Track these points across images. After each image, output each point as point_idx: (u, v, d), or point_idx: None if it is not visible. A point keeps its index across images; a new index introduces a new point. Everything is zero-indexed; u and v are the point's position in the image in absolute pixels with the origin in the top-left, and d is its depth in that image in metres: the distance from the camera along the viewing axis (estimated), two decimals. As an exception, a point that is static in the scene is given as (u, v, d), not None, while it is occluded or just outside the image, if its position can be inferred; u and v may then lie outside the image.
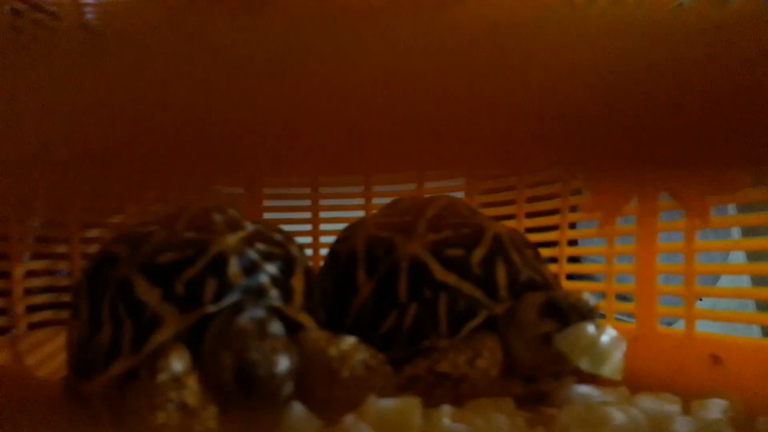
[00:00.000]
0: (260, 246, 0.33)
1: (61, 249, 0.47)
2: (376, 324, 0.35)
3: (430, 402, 0.28)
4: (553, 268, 0.47)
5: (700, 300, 0.38)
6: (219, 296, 0.29)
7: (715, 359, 0.35)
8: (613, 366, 0.30)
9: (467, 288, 0.34)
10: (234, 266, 0.30)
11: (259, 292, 0.30)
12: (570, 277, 0.50)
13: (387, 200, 0.45)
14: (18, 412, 0.31)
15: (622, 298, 0.45)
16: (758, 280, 0.62)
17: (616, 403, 0.30)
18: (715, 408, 0.30)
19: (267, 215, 0.55)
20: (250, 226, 0.34)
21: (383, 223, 0.40)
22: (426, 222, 0.38)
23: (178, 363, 0.26)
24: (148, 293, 0.29)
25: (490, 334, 0.34)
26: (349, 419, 0.27)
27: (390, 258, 0.37)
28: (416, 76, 0.13)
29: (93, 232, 0.49)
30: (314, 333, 0.31)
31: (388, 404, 0.27)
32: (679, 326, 0.39)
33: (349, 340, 0.30)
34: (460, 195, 0.55)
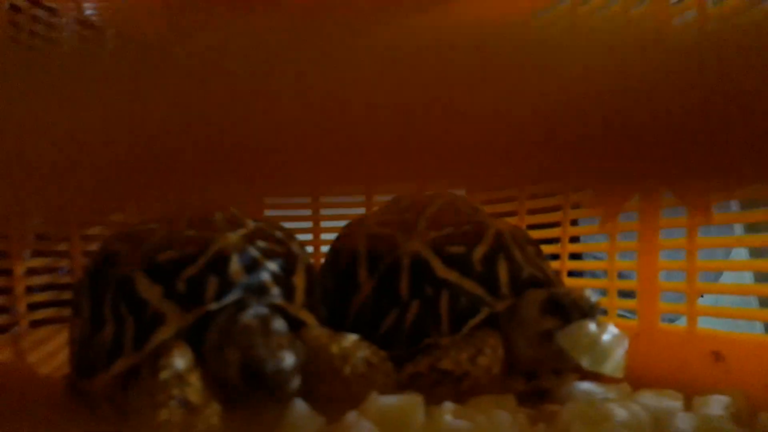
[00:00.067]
0: (261, 243, 0.33)
1: (62, 246, 0.47)
2: (377, 321, 0.35)
3: (432, 399, 0.28)
4: (554, 265, 0.47)
5: (701, 297, 0.38)
6: (220, 294, 0.29)
7: (717, 356, 0.35)
8: (614, 364, 0.30)
9: (469, 285, 0.34)
10: (235, 264, 0.30)
11: (260, 290, 0.30)
12: (572, 273, 0.50)
13: (388, 197, 0.45)
14: (20, 410, 0.31)
15: (625, 294, 0.45)
16: (761, 277, 0.62)
17: (617, 400, 0.30)
18: (717, 404, 0.30)
19: (268, 213, 0.55)
20: (251, 224, 0.34)
21: (384, 221, 0.39)
22: (427, 219, 0.38)
23: (180, 361, 0.26)
24: (149, 291, 0.29)
25: (492, 331, 0.34)
26: (351, 416, 0.27)
27: (391, 255, 0.37)
28: (411, 85, 0.13)
29: (93, 230, 0.49)
30: (316, 330, 0.31)
31: (390, 401, 0.27)
32: (682, 323, 0.39)
33: (351, 338, 0.30)
34: (461, 192, 0.55)
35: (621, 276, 0.45)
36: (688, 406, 0.30)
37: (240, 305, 0.29)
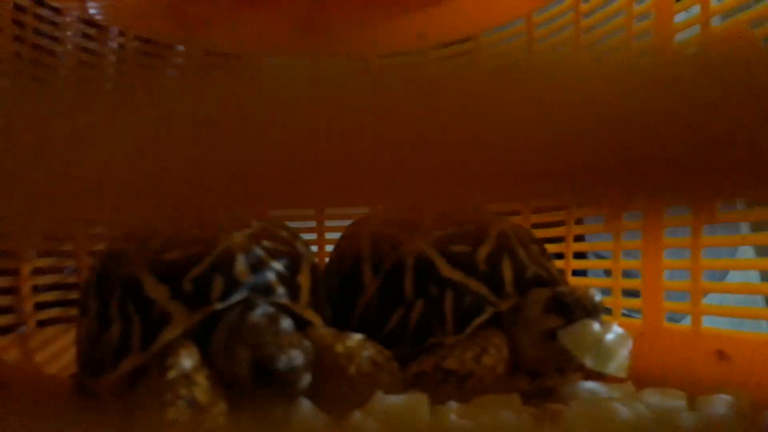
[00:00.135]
0: (266, 243, 0.33)
1: (67, 246, 0.47)
2: (382, 321, 0.36)
3: (437, 398, 0.29)
4: (559, 264, 0.47)
5: (704, 296, 0.38)
6: (226, 294, 0.29)
7: (721, 355, 0.35)
8: (618, 364, 0.30)
9: (473, 284, 0.34)
10: (241, 263, 0.31)
11: (266, 290, 0.30)
12: (576, 273, 0.50)
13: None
14: (28, 410, 0.31)
15: (629, 294, 0.45)
16: (767, 276, 0.62)
17: (621, 399, 0.30)
18: (721, 404, 0.30)
19: (272, 212, 0.55)
20: (256, 224, 0.34)
21: (388, 220, 0.40)
22: (431, 218, 0.38)
23: (187, 360, 0.26)
24: (156, 291, 0.30)
25: (496, 330, 0.34)
26: (356, 416, 0.27)
27: (395, 255, 0.37)
28: (432, 116, 0.13)
29: (99, 229, 0.49)
30: (321, 330, 0.31)
31: (395, 401, 0.28)
32: (687, 323, 0.39)
33: (356, 337, 0.31)
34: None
35: (625, 275, 0.45)
36: (692, 406, 0.30)
37: (247, 304, 0.29)
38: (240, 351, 0.26)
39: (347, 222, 0.44)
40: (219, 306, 0.29)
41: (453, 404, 0.29)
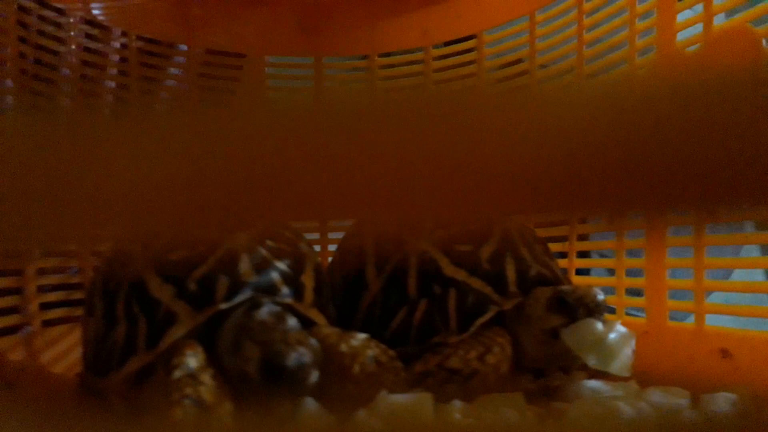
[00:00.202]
0: (270, 243, 0.33)
1: (71, 246, 0.47)
2: (386, 320, 0.36)
3: (441, 397, 0.29)
4: (562, 262, 0.47)
5: (708, 295, 0.38)
6: (231, 293, 0.29)
7: (724, 353, 0.35)
8: (621, 363, 0.30)
9: (477, 284, 0.35)
10: (245, 263, 0.31)
11: (270, 289, 0.30)
12: (580, 272, 0.50)
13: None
14: (34, 409, 0.32)
15: (633, 293, 0.45)
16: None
17: (625, 398, 0.30)
18: (725, 402, 0.30)
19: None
20: (259, 224, 0.35)
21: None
22: (434, 218, 0.38)
23: (193, 360, 0.27)
24: (161, 291, 0.30)
25: (500, 329, 0.34)
26: (361, 414, 0.27)
27: (399, 254, 0.37)
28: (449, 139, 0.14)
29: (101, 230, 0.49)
30: (325, 330, 0.31)
31: (399, 400, 0.28)
32: (691, 321, 0.39)
33: (360, 337, 0.31)
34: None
35: (629, 274, 0.45)
36: (695, 404, 0.30)
37: (252, 304, 0.29)
38: (249, 348, 0.27)
39: (350, 221, 0.44)
40: (224, 306, 0.29)
41: (457, 403, 0.29)
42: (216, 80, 0.58)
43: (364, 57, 0.59)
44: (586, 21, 0.47)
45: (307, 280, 0.33)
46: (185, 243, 0.32)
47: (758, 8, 0.36)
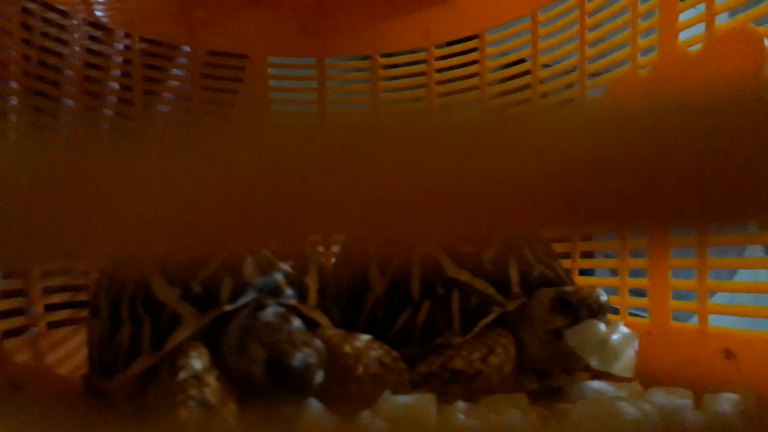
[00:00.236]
0: (274, 245, 0.33)
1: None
2: (389, 321, 0.36)
3: (445, 398, 0.29)
4: (566, 263, 0.47)
5: (712, 295, 0.38)
6: (235, 295, 0.30)
7: (727, 353, 0.35)
8: (624, 364, 0.30)
9: (480, 285, 0.35)
10: (249, 265, 0.31)
11: (274, 291, 0.31)
12: (583, 272, 0.50)
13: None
14: (39, 411, 0.32)
15: (636, 293, 0.45)
16: (776, 274, 0.61)
17: (628, 399, 0.30)
18: (728, 402, 0.30)
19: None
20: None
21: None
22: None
23: (197, 361, 0.27)
24: (166, 292, 0.30)
25: (504, 330, 0.34)
26: (364, 416, 0.27)
27: (402, 255, 0.37)
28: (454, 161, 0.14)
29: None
30: (329, 331, 0.31)
31: (403, 401, 0.28)
32: (695, 322, 0.39)
33: (364, 338, 0.31)
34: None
35: (632, 274, 0.45)
36: (698, 405, 0.30)
37: (256, 305, 0.29)
38: (254, 349, 0.27)
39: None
40: (228, 307, 0.29)
41: (460, 404, 0.29)
42: (218, 81, 0.58)
43: (366, 57, 0.59)
44: (589, 20, 0.47)
45: (311, 282, 0.33)
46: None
47: (761, 8, 0.36)
